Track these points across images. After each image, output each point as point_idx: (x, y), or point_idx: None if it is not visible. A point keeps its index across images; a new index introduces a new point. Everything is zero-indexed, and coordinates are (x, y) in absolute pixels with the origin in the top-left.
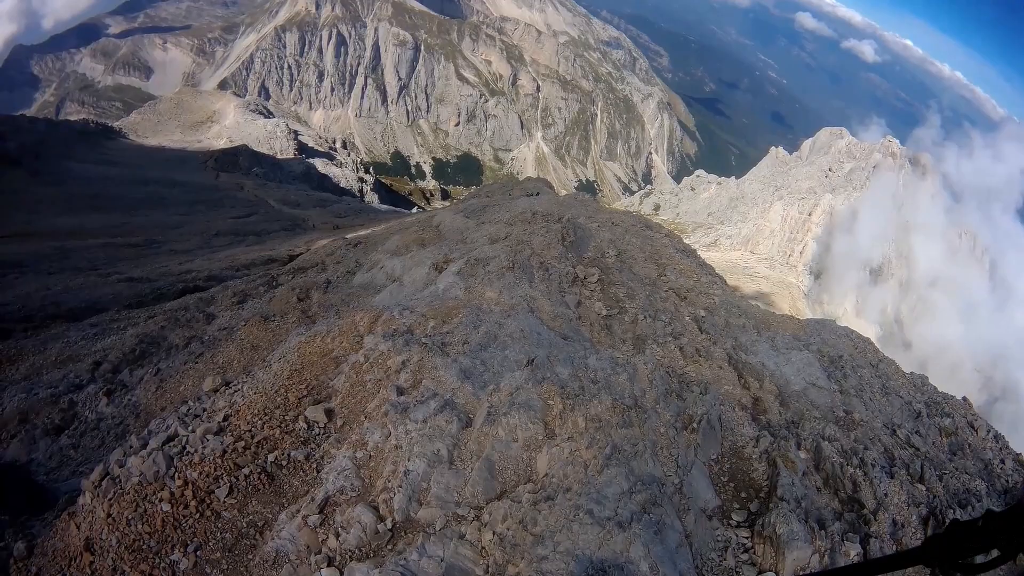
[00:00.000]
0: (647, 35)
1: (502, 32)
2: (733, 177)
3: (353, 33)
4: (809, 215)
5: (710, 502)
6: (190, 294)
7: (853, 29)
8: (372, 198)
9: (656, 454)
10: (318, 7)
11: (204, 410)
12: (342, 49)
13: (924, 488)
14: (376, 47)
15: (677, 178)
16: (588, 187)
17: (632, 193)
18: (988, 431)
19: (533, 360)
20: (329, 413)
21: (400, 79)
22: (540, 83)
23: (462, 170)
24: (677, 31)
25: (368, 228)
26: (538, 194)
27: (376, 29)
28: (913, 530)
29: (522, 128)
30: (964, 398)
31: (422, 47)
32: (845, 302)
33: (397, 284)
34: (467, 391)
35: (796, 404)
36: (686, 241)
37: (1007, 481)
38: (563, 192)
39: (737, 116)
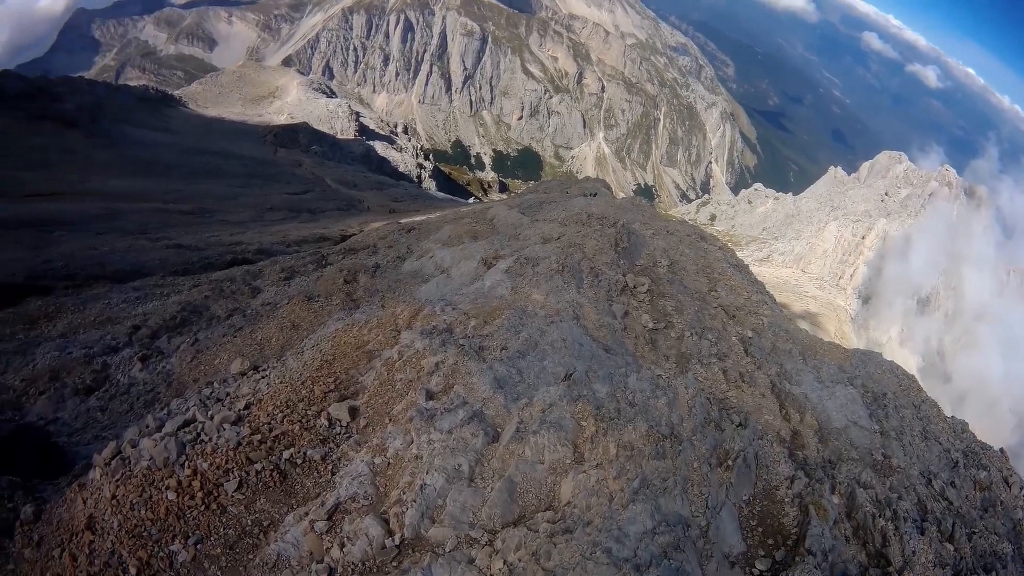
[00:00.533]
0: (714, 43)
1: (570, 30)
2: (791, 193)
3: (421, 20)
4: (863, 238)
5: (735, 547)
6: (238, 266)
7: (918, 53)
8: (430, 185)
9: (686, 491)
10: None
11: (228, 395)
12: (409, 35)
13: (952, 548)
14: (443, 35)
15: (735, 189)
16: (646, 191)
17: (689, 201)
18: (1021, 488)
19: (571, 375)
20: (353, 411)
21: (465, 69)
22: (605, 83)
23: (522, 164)
24: (744, 41)
25: (423, 215)
26: (595, 195)
27: (444, 17)
28: None
29: (584, 127)
30: (1001, 449)
31: (489, 39)
32: (891, 329)
33: (445, 276)
34: (498, 402)
35: (835, 442)
36: (739, 254)
37: None
38: (621, 195)
39: (799, 131)
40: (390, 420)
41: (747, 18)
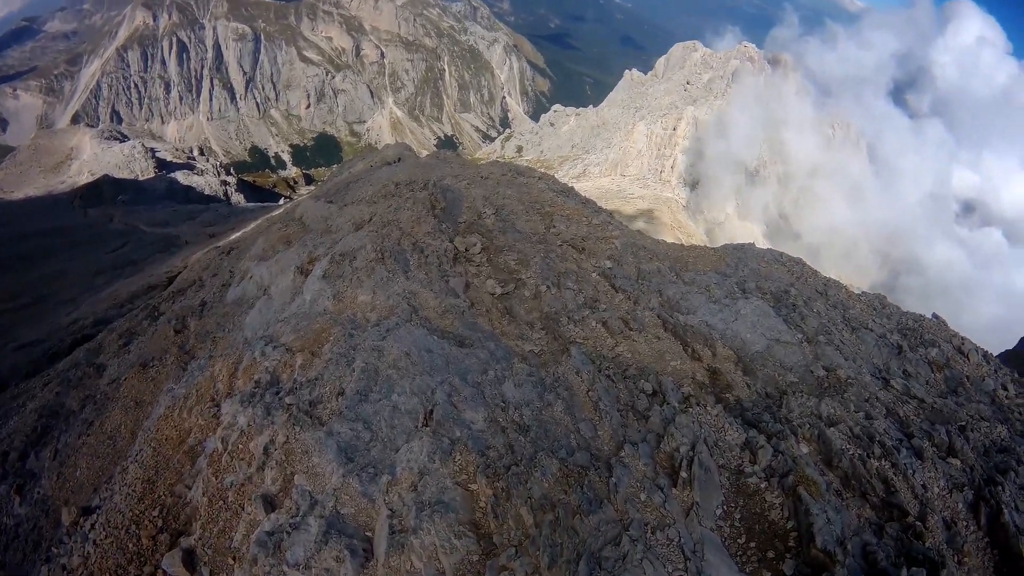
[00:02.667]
0: None
1: (339, 6)
2: (591, 106)
3: (193, 37)
4: (674, 129)
5: None
6: (80, 346)
7: None
8: (239, 199)
9: (650, 548)
10: (155, 18)
11: (63, 568)
12: (184, 56)
13: (959, 462)
14: (217, 46)
15: (535, 117)
16: (448, 143)
17: (492, 140)
18: (977, 352)
19: (431, 410)
20: (189, 559)
21: (245, 73)
22: (384, 49)
23: (321, 151)
24: None
25: (240, 231)
26: (399, 160)
27: (215, 28)
28: (966, 525)
29: (373, 97)
30: (935, 315)
31: (262, 37)
32: (726, 206)
33: (266, 297)
34: (354, 489)
35: (764, 370)
36: (555, 176)
37: (1020, 414)
38: (424, 153)
39: (587, 47)
40: (234, 559)
41: None
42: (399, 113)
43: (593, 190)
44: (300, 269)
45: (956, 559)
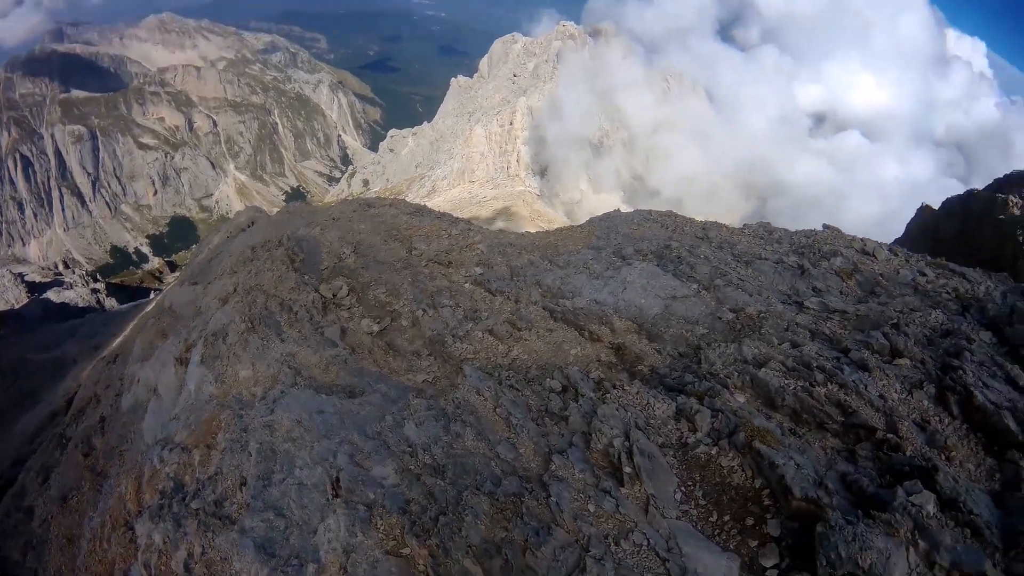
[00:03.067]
0: (299, 26)
1: (164, 84)
2: (425, 123)
3: (34, 149)
4: (511, 124)
5: (730, 572)
6: (5, 491)
7: None
8: (112, 303)
9: (620, 562)
10: None
11: None
12: (30, 170)
13: (907, 361)
14: (58, 153)
15: (373, 147)
16: (296, 195)
17: (337, 181)
18: (883, 248)
19: (338, 478)
20: None
21: (89, 174)
22: (215, 117)
23: (177, 235)
24: (326, 11)
25: (120, 335)
26: (252, 223)
27: (52, 135)
28: (940, 420)
29: (214, 168)
30: (825, 225)
31: (98, 133)
32: (579, 184)
33: (155, 397)
34: None
35: (669, 331)
36: (405, 199)
37: (948, 294)
38: (274, 211)
39: (409, 66)
40: None
41: None
42: (242, 177)
43: (446, 204)
44: (179, 360)
45: (944, 457)
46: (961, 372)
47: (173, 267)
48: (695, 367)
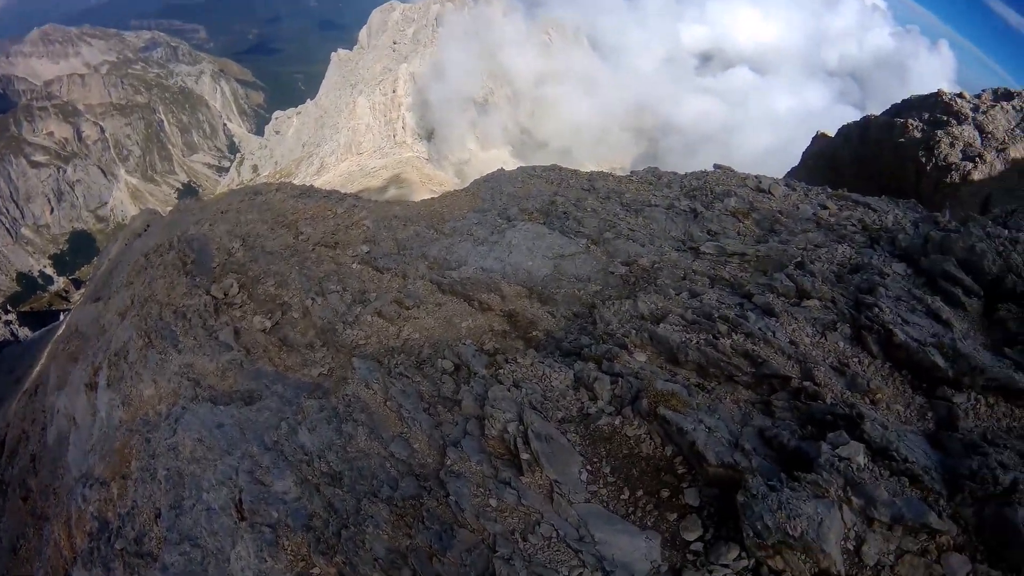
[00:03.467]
0: (178, 19)
1: (51, 97)
2: (309, 100)
3: None
4: (394, 92)
5: (651, 553)
6: None
7: None
8: (26, 333)
9: (530, 558)
10: None
11: None
12: None
13: (816, 301)
14: None
15: (260, 132)
16: (188, 190)
17: (227, 171)
18: (779, 183)
19: (241, 499)
20: None
21: None
22: (102, 124)
23: (78, 251)
24: (203, 0)
25: (38, 365)
26: (148, 227)
27: None
28: (859, 362)
29: (106, 176)
30: (716, 165)
31: None
32: (467, 144)
33: (75, 427)
34: None
35: (560, 291)
36: (297, 181)
37: (853, 226)
38: (168, 210)
39: (289, 45)
40: None
41: None
42: (134, 181)
43: (336, 179)
44: (89, 385)
45: (868, 401)
46: (877, 309)
47: (78, 284)
48: (591, 328)
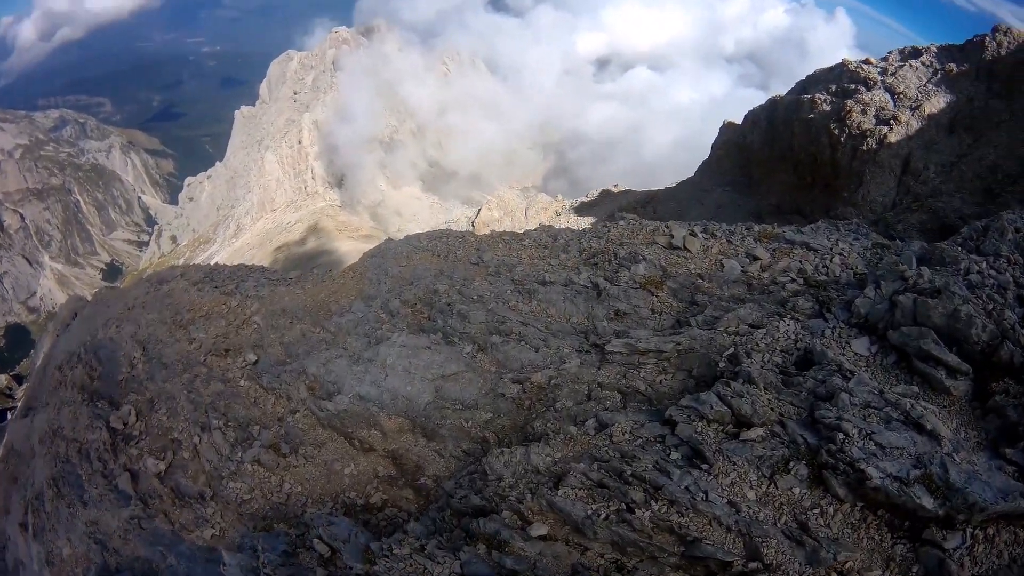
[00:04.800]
0: (84, 94)
1: None
2: (218, 162)
3: None
4: (299, 143)
5: None
6: None
7: None
8: None
9: None
10: None
11: None
12: None
13: (760, 430)
14: None
15: (174, 200)
16: (113, 271)
17: (147, 245)
18: (698, 232)
19: None
20: None
21: None
22: (21, 211)
23: (15, 346)
24: (105, 72)
25: None
26: (75, 316)
27: None
28: (821, 514)
29: (32, 265)
30: (621, 216)
31: None
32: (378, 184)
33: (22, 568)
34: None
35: (447, 422)
36: (210, 249)
37: (793, 281)
38: (88, 293)
39: (194, 108)
40: None
41: (102, 52)
42: (59, 267)
43: (255, 238)
44: (23, 526)
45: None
46: (841, 436)
47: (20, 380)
48: (481, 483)
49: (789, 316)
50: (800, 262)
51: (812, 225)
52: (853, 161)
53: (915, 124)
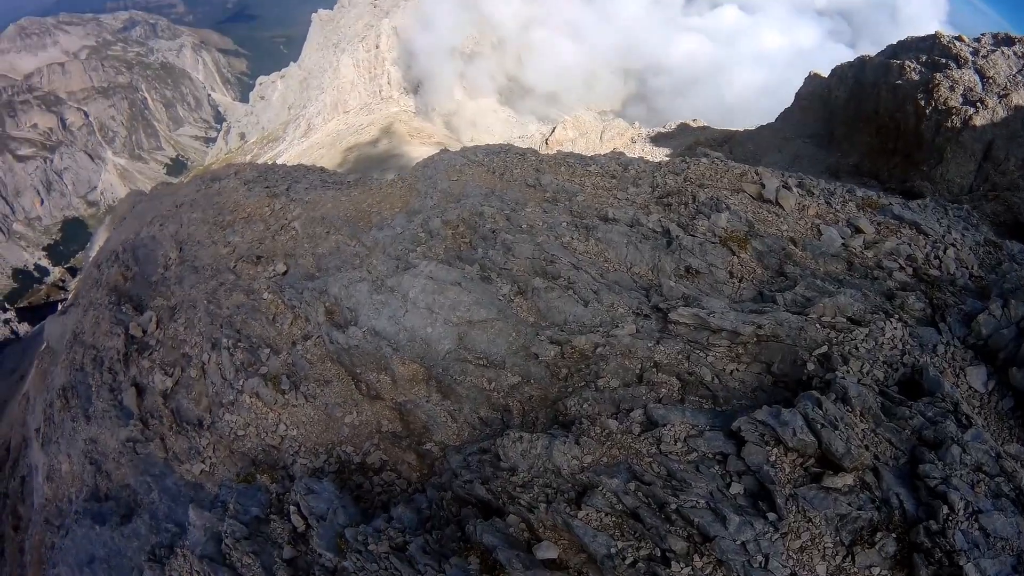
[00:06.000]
0: None
1: (32, 90)
2: (292, 63)
3: None
4: (377, 47)
5: None
6: None
7: None
8: (26, 329)
9: None
10: None
11: None
12: None
13: (849, 477)
14: None
15: (245, 99)
16: (177, 165)
17: (215, 141)
18: (789, 186)
19: None
20: None
21: None
22: (85, 109)
23: (72, 239)
24: None
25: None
26: (124, 219)
27: None
28: None
29: (94, 160)
30: (704, 154)
31: None
32: (454, 94)
33: (35, 473)
34: None
35: (467, 378)
36: (280, 147)
37: (902, 269)
38: (149, 188)
39: (268, 11)
40: None
41: None
42: (121, 162)
43: (325, 139)
44: (37, 432)
45: None
46: (946, 510)
47: (74, 272)
48: (491, 469)
49: (896, 316)
50: (909, 245)
51: (919, 202)
52: (936, 136)
53: (1001, 112)
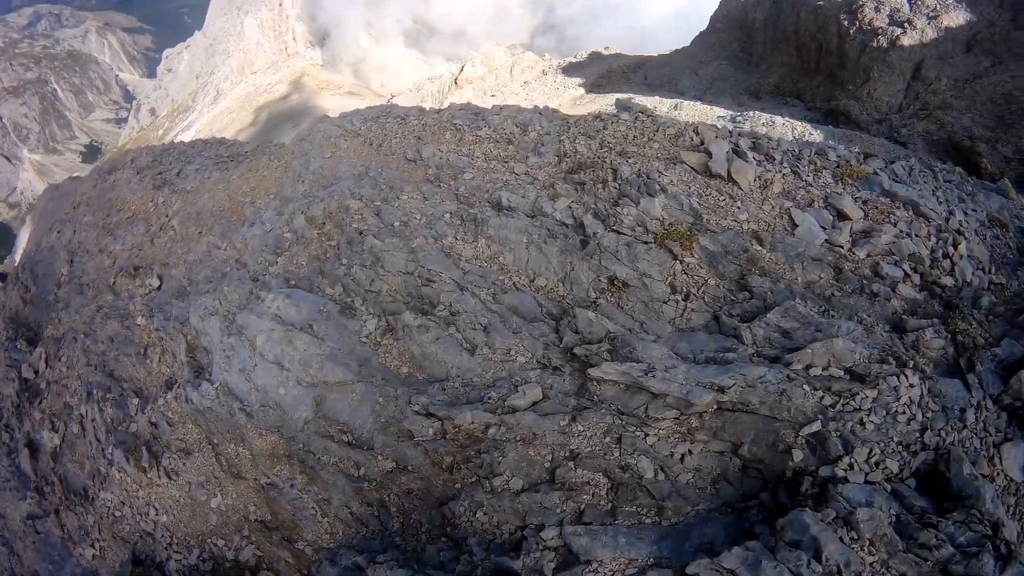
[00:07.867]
0: None
1: None
2: (197, 32)
3: None
4: (280, 4)
5: None
6: None
7: None
8: None
9: None
10: None
11: None
12: None
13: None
14: None
15: (155, 74)
16: (92, 151)
17: (126, 122)
18: (746, 154)
19: None
20: None
21: None
22: None
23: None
24: None
25: None
26: (38, 222)
27: None
28: None
29: (10, 162)
30: (631, 104)
31: None
32: (361, 42)
33: None
34: None
35: (331, 459)
36: (190, 117)
37: (907, 279)
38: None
39: None
40: None
41: None
42: (37, 158)
43: (235, 103)
44: None
45: None
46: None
47: (3, 277)
48: None
49: (911, 364)
50: (910, 237)
51: (903, 164)
52: (862, 56)
53: (931, 33)
